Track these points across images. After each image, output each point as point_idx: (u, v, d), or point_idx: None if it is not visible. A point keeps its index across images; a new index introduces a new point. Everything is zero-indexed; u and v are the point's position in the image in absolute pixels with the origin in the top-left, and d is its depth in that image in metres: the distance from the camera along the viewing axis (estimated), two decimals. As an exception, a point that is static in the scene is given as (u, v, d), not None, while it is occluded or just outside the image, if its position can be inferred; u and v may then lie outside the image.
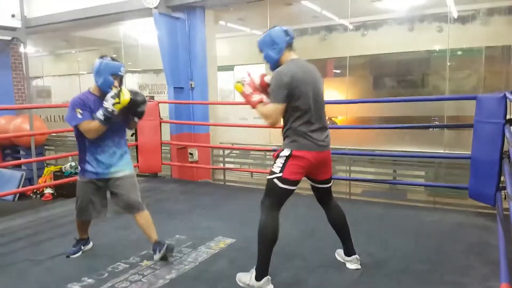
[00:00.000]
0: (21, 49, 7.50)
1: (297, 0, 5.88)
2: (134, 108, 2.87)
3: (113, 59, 2.88)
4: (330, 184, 2.76)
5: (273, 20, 6.25)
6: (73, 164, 7.30)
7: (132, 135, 5.79)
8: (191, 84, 6.20)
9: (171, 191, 5.37)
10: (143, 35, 7.41)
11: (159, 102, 5.77)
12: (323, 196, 2.80)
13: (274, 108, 2.43)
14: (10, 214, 4.60)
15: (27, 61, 7.30)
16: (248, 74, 2.64)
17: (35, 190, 7.02)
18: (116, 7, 6.31)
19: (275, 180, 2.49)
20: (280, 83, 2.40)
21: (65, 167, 7.28)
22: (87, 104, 2.83)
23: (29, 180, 7.29)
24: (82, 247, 3.24)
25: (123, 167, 3.00)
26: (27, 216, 4.44)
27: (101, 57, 2.88)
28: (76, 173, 7.05)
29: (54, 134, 8.10)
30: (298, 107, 2.45)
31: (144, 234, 3.07)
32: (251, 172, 6.12)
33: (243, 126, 6.11)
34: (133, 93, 2.82)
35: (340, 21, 6.30)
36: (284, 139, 2.56)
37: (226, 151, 6.54)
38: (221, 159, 6.55)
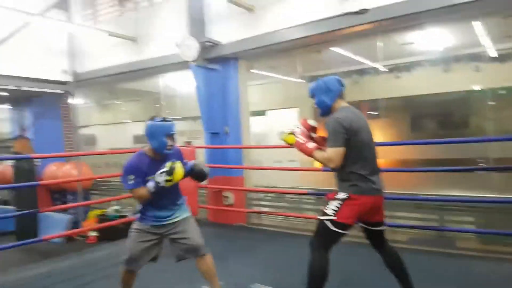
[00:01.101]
0: (71, 101, 8.11)
1: (326, 48, 6.06)
2: (196, 178, 2.97)
3: (164, 119, 2.83)
4: (383, 227, 2.76)
5: (304, 67, 6.47)
6: (116, 207, 7.61)
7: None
8: (225, 130, 6.43)
9: (206, 234, 5.43)
10: (181, 85, 7.84)
11: (196, 147, 5.99)
12: (377, 240, 2.78)
13: (336, 151, 2.51)
14: (57, 256, 4.87)
15: (76, 112, 7.89)
16: (298, 125, 2.78)
17: (80, 233, 7.34)
18: (157, 61, 6.80)
19: (327, 222, 2.52)
20: (338, 128, 2.52)
21: (109, 211, 7.61)
22: (140, 168, 2.78)
23: (76, 224, 7.64)
24: None
25: (182, 213, 2.98)
26: (72, 258, 4.68)
27: (152, 118, 2.84)
28: (119, 216, 7.36)
29: (99, 179, 8.51)
30: (355, 151, 2.54)
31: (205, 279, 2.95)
32: (287, 216, 6.10)
33: (277, 169, 6.18)
34: (197, 168, 2.91)
35: (371, 64, 6.39)
36: (339, 182, 2.62)
37: (261, 195, 6.59)
38: (255, 202, 6.60)
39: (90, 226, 7.31)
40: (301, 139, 2.70)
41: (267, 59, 6.65)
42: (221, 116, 6.41)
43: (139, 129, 10.17)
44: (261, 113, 7.39)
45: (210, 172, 6.27)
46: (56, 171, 8.06)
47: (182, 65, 6.22)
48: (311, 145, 2.67)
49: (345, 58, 6.35)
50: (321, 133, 2.84)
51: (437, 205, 4.86)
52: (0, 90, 7.49)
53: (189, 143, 6.10)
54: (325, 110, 2.73)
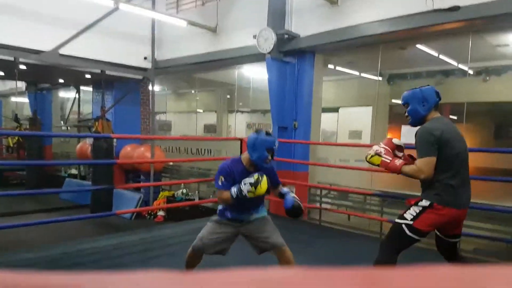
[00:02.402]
0: (150, 87, 8.53)
1: (411, 44, 5.76)
2: (292, 214, 2.93)
3: (267, 133, 2.89)
4: (458, 239, 2.72)
5: (385, 64, 6.21)
6: (184, 191, 7.93)
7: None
8: (294, 124, 6.38)
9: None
10: (255, 77, 7.91)
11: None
12: (449, 250, 2.73)
13: (426, 161, 2.49)
14: (126, 230, 5.17)
15: (154, 98, 8.28)
16: (389, 142, 2.77)
17: (149, 212, 7.75)
18: (235, 52, 6.91)
19: (404, 226, 2.51)
20: (429, 137, 2.50)
21: (177, 193, 7.95)
22: (232, 174, 2.87)
23: (146, 202, 8.07)
24: None
25: (260, 213, 3.04)
26: (140, 234, 4.92)
27: (256, 131, 2.92)
28: (186, 199, 7.65)
29: (171, 163, 8.91)
30: (445, 161, 2.50)
31: None
32: (349, 214, 5.94)
33: (342, 167, 6.03)
34: (295, 207, 2.87)
35: (458, 65, 5.99)
36: (425, 189, 2.58)
37: (324, 191, 6.47)
38: (318, 198, 6.50)
39: (159, 205, 7.70)
40: (387, 158, 2.68)
41: (346, 54, 6.48)
42: (291, 111, 6.38)
43: (210, 118, 10.62)
44: (333, 109, 7.23)
45: (276, 166, 6.35)
46: (131, 152, 8.54)
47: (258, 57, 6.25)
48: (398, 161, 2.63)
49: (431, 56, 6.00)
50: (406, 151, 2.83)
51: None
52: (84, 72, 8.05)
53: (257, 135, 6.14)
54: (416, 120, 2.68)
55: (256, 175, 2.74)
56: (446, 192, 2.48)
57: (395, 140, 2.77)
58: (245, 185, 2.73)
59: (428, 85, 2.73)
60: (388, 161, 2.65)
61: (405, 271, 0.35)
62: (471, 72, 5.80)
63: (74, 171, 11.01)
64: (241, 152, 5.85)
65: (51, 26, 6.70)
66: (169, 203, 7.64)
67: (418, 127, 2.64)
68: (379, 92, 6.51)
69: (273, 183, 3.03)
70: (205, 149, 8.43)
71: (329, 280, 0.35)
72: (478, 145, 5.86)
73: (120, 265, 3.74)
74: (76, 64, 7.20)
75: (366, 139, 6.90)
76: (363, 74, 7.13)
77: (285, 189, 3.03)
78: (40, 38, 6.58)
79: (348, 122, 7.50)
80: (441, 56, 5.98)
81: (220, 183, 2.85)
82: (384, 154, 2.69)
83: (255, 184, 2.71)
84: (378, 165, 2.72)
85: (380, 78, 6.37)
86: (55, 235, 5.71)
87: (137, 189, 8.43)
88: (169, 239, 4.70)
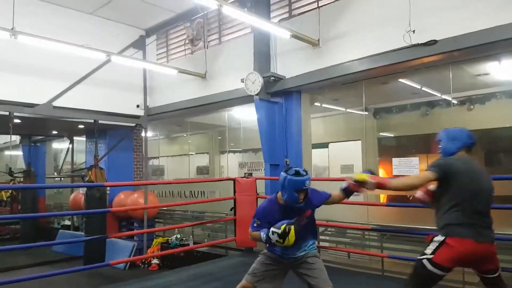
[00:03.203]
0: (142, 134, 8.61)
1: (394, 79, 5.92)
2: None
3: (297, 172, 2.74)
4: (495, 275, 2.65)
5: (369, 99, 6.35)
6: (178, 236, 7.79)
7: (231, 210, 6.06)
8: (286, 161, 6.41)
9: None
10: (245, 119, 8.05)
11: (256, 179, 6.01)
12: (491, 285, 2.69)
13: (426, 174, 2.61)
14: (120, 281, 5.03)
15: (147, 144, 8.33)
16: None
17: (143, 260, 7.56)
18: (224, 95, 7.12)
19: (425, 262, 2.50)
20: (439, 161, 2.67)
21: (171, 239, 7.80)
22: (268, 216, 2.82)
23: (140, 250, 7.90)
24: None
25: (309, 250, 2.95)
26: (134, 284, 4.77)
27: (287, 170, 2.79)
28: (181, 245, 7.51)
29: (164, 208, 8.82)
30: (455, 194, 2.56)
31: None
32: (348, 252, 5.83)
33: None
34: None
35: (442, 96, 6.14)
36: (437, 225, 2.63)
37: (321, 228, 6.38)
38: (316, 236, 6.40)
39: (153, 253, 7.53)
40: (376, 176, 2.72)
41: (330, 91, 6.64)
42: (282, 148, 6.44)
43: (203, 160, 10.59)
44: (323, 145, 7.30)
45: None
46: (125, 199, 8.46)
47: (246, 99, 6.44)
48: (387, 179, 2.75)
49: (414, 89, 6.16)
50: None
51: None
52: (77, 123, 8.14)
53: (250, 174, 6.15)
54: (446, 156, 2.78)
55: (283, 226, 2.64)
56: (459, 225, 2.50)
57: (431, 187, 2.82)
58: (273, 235, 2.66)
59: (462, 127, 2.88)
60: (375, 177, 2.70)
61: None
62: (455, 102, 5.93)
63: (67, 222, 10.83)
64: (234, 192, 5.83)
65: (45, 80, 6.86)
66: (164, 250, 7.48)
67: None
68: (366, 126, 6.61)
69: (327, 201, 3.03)
70: (198, 191, 8.38)
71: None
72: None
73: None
74: (70, 115, 7.31)
75: (358, 172, 6.93)
76: (349, 110, 7.28)
77: (344, 185, 2.94)
78: (34, 92, 6.72)
79: (339, 156, 7.55)
80: (424, 88, 6.14)
81: (255, 225, 2.86)
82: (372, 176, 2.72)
83: (282, 236, 2.62)
84: (363, 182, 2.68)
85: (366, 113, 6.49)
86: (49, 289, 5.53)
87: (131, 237, 8.28)
88: (163, 288, 4.57)
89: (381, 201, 6.45)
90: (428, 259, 2.48)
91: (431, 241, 2.56)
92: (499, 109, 6.09)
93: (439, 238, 2.52)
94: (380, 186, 2.66)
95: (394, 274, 5.01)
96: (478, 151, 6.44)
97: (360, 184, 2.72)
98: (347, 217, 5.88)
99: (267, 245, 2.93)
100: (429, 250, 2.52)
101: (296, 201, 2.74)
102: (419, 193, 2.90)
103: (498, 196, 5.06)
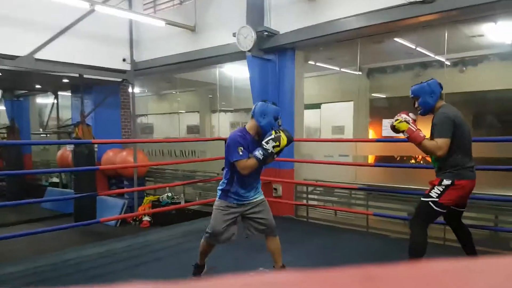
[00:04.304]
0: (130, 89, 8.40)
1: (388, 38, 5.82)
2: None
3: (273, 103, 3.11)
4: (464, 209, 3.25)
5: (364, 58, 6.26)
6: (169, 194, 7.84)
7: (222, 169, 6.07)
8: (278, 122, 6.37)
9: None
10: (236, 76, 7.88)
11: (248, 138, 6.00)
12: (457, 220, 3.26)
13: (445, 141, 2.90)
14: (112, 237, 5.08)
15: (134, 101, 8.15)
16: (407, 114, 3.09)
17: (134, 217, 7.63)
18: (215, 51, 6.84)
19: (431, 203, 2.94)
20: (447, 121, 2.93)
21: (162, 197, 7.86)
22: (245, 143, 2.99)
23: (130, 208, 7.95)
24: (200, 275, 3.36)
25: (260, 195, 3.24)
26: (126, 240, 4.84)
27: (264, 101, 3.13)
28: (172, 203, 7.58)
29: (155, 167, 8.80)
30: (459, 142, 2.93)
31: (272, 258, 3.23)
32: (335, 210, 5.98)
33: (328, 163, 6.06)
34: (288, 133, 3.00)
35: (436, 57, 6.08)
36: (444, 169, 2.98)
37: (310, 188, 6.50)
38: (304, 195, 6.53)
39: (144, 211, 7.59)
40: (413, 127, 3.00)
41: (325, 49, 6.50)
42: (274, 108, 6.36)
43: (193, 119, 10.48)
44: (316, 106, 7.25)
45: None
46: (114, 157, 8.40)
47: (239, 55, 6.21)
48: (421, 134, 2.98)
49: (408, 49, 6.06)
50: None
51: (493, 205, 4.77)
52: (62, 77, 7.87)
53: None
54: (427, 110, 3.11)
55: (272, 131, 2.92)
56: (463, 169, 2.93)
57: (411, 114, 3.08)
58: (268, 144, 2.88)
59: (432, 78, 3.16)
60: (414, 129, 2.98)
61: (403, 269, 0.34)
62: (448, 63, 5.89)
63: (55, 179, 10.76)
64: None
65: (25, 31, 6.52)
66: (155, 208, 7.54)
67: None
68: (359, 87, 6.57)
69: None
70: (189, 151, 8.34)
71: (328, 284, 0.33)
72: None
73: (108, 273, 3.68)
74: (53, 69, 7.02)
75: (348, 134, 6.96)
76: (343, 69, 7.17)
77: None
78: (14, 43, 6.40)
79: (331, 117, 7.54)
80: (419, 49, 6.06)
81: (241, 153, 2.93)
82: (412, 123, 3.01)
83: (277, 139, 2.87)
84: (402, 132, 3.02)
85: (360, 73, 6.42)
86: (39, 246, 5.58)
87: (121, 195, 8.30)
88: (156, 244, 4.64)
89: (369, 161, 6.54)
90: (434, 201, 2.92)
91: (440, 184, 2.93)
92: (490, 72, 6.09)
93: (447, 182, 2.91)
94: (412, 140, 2.99)
95: (377, 231, 5.22)
96: (466, 114, 6.50)
97: (396, 131, 3.08)
98: (336, 177, 5.99)
99: (220, 196, 3.15)
100: (434, 193, 2.93)
101: (272, 127, 2.98)
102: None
103: (487, 159, 5.23)
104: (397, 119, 3.04)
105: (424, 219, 3.02)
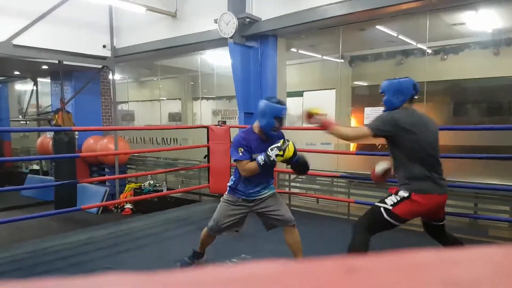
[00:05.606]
0: (110, 76, 8.24)
1: (371, 25, 5.83)
2: (298, 169, 3.07)
3: (278, 101, 2.91)
4: (443, 222, 2.79)
5: (346, 46, 6.27)
6: (151, 182, 7.78)
7: (204, 157, 6.05)
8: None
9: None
10: (218, 63, 7.80)
11: (230, 127, 5.97)
12: (436, 232, 2.83)
13: (365, 130, 2.59)
14: (93, 225, 5.02)
15: (115, 87, 8.00)
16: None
17: (116, 205, 7.56)
18: (196, 37, 6.74)
19: (382, 210, 2.57)
20: (386, 119, 2.60)
21: (144, 185, 7.79)
22: (249, 144, 2.91)
23: (112, 196, 7.88)
24: (196, 261, 3.33)
25: (270, 190, 3.10)
26: (108, 228, 4.79)
27: (267, 98, 2.94)
28: (154, 191, 7.53)
29: (136, 154, 8.71)
30: (412, 150, 2.56)
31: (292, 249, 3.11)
32: (317, 198, 6.03)
33: (309, 151, 6.08)
34: (302, 160, 2.96)
35: (417, 45, 6.14)
36: (400, 179, 2.65)
37: (292, 176, 6.53)
38: (287, 183, 6.56)
39: (126, 198, 7.53)
40: (325, 114, 2.69)
41: (307, 37, 6.48)
42: (257, 96, 6.33)
43: (175, 106, 10.38)
44: (298, 94, 7.25)
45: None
46: (94, 145, 8.28)
47: (220, 42, 6.14)
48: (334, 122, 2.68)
49: (390, 37, 6.10)
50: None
51: (472, 193, 4.81)
52: (41, 63, 7.67)
53: (223, 122, 6.09)
54: (389, 110, 2.72)
55: (281, 141, 2.82)
56: (422, 181, 2.53)
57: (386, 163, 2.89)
58: (272, 151, 2.79)
59: (407, 77, 2.75)
60: (325, 115, 2.68)
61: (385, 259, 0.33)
62: (429, 51, 5.96)
63: (35, 166, 10.57)
64: (208, 140, 5.79)
65: (3, 16, 6.31)
66: (136, 196, 7.48)
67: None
68: (341, 75, 6.59)
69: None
70: (171, 138, 8.27)
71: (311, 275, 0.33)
72: (438, 123, 6.05)
73: (89, 261, 3.64)
74: (32, 55, 6.83)
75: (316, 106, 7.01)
76: (325, 57, 7.18)
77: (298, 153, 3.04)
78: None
79: (313, 105, 7.59)
80: (401, 36, 6.10)
81: (240, 154, 2.88)
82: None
83: (282, 149, 2.78)
84: (315, 114, 2.68)
85: (342, 60, 6.44)
86: (18, 234, 5.49)
87: (103, 183, 8.20)
88: (138, 232, 4.60)
89: (351, 149, 6.61)
90: (386, 209, 2.54)
91: (396, 193, 2.58)
92: (471, 60, 6.19)
93: (404, 193, 2.54)
94: (325, 125, 2.66)
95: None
96: (447, 102, 6.61)
97: (309, 116, 2.72)
98: (318, 165, 6.02)
99: (229, 191, 3.07)
100: (390, 201, 2.55)
101: (272, 127, 2.86)
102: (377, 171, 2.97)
103: (464, 147, 5.34)
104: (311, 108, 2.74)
105: (370, 227, 2.59)
